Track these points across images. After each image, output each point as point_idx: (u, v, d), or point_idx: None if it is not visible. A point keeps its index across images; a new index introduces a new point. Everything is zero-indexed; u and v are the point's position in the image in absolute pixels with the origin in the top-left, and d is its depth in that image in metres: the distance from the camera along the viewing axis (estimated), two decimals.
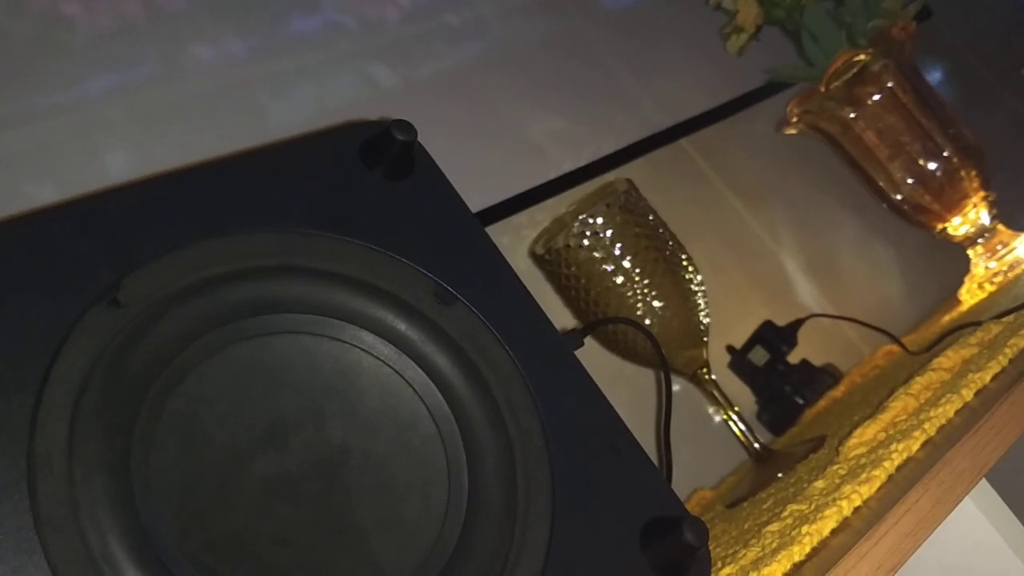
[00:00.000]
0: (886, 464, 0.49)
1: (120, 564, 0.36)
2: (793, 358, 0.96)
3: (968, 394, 0.54)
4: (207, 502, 0.40)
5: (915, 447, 0.51)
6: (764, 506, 0.61)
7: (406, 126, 0.49)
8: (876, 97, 1.00)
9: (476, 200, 0.91)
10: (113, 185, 0.44)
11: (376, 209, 0.48)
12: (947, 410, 0.53)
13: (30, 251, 0.40)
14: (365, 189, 0.49)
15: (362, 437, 0.44)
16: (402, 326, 0.46)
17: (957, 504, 0.44)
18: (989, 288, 0.99)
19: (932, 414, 0.53)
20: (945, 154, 0.99)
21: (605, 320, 0.75)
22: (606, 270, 0.76)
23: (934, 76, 1.35)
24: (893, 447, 0.51)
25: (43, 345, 0.38)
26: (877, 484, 0.48)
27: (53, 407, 0.37)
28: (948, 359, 0.62)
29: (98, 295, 0.40)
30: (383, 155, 0.49)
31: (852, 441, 0.57)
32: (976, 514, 0.50)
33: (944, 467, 0.45)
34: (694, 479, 0.89)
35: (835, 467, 0.55)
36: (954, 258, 1.06)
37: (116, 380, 0.39)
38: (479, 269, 0.50)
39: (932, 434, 0.52)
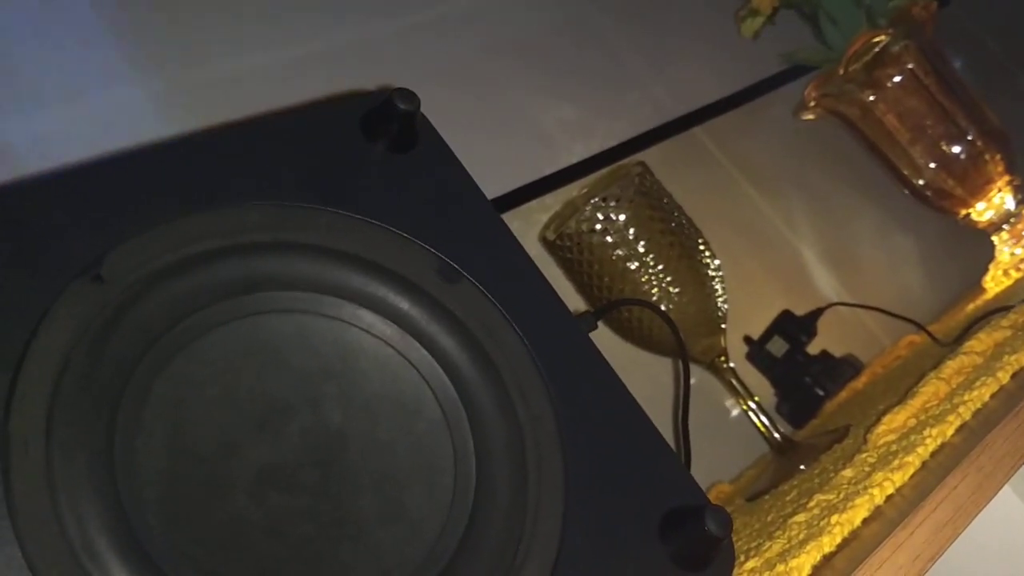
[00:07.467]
0: (919, 450, 0.46)
1: (102, 556, 0.34)
2: (813, 349, 0.93)
3: (1004, 376, 0.51)
4: (196, 491, 0.37)
5: (949, 432, 0.48)
6: (788, 498, 0.58)
7: (409, 95, 0.46)
8: (897, 79, 0.97)
9: (486, 189, 0.88)
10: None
11: (377, 183, 0.46)
12: (983, 393, 0.50)
13: (10, 223, 0.38)
14: (366, 162, 0.46)
15: (362, 422, 0.41)
16: (404, 305, 0.44)
17: (998, 490, 0.41)
18: (1015, 275, 0.96)
19: (967, 397, 0.50)
20: (969, 137, 0.96)
21: (620, 302, 0.72)
22: (619, 255, 0.73)
23: (955, 64, 1.32)
24: (926, 432, 0.48)
25: (22, 321, 0.36)
26: (911, 471, 0.45)
27: (31, 385, 0.35)
28: (980, 342, 0.59)
29: (81, 270, 0.37)
30: (385, 126, 0.47)
31: (881, 428, 0.54)
32: (1015, 501, 0.47)
33: (983, 451, 0.42)
34: (712, 473, 0.86)
35: (864, 455, 0.52)
36: (978, 244, 1.03)
37: (99, 359, 0.37)
38: (486, 246, 0.47)
39: (967, 418, 0.49)
